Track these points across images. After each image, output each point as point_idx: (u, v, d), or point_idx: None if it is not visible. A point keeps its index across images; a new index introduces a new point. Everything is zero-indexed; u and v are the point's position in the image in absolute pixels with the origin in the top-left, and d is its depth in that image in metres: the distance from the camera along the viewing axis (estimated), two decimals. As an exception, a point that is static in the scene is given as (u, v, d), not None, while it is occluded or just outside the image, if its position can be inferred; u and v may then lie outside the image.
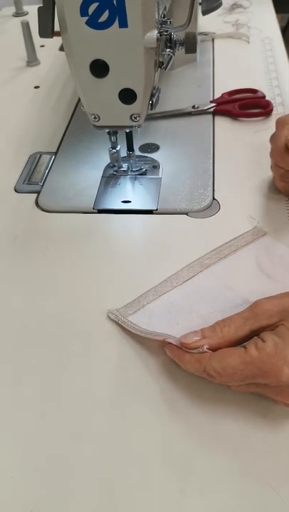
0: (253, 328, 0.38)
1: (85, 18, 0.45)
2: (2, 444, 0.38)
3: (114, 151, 0.59)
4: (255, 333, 0.38)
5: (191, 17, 0.49)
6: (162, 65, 0.53)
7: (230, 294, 0.46)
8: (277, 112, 0.70)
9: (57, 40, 0.51)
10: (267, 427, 0.38)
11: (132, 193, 0.59)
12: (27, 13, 1.06)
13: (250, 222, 0.53)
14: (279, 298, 0.40)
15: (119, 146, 0.59)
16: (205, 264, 0.48)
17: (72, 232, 0.55)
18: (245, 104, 0.71)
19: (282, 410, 0.38)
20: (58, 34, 0.47)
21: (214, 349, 0.38)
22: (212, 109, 0.72)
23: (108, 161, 0.62)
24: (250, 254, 0.50)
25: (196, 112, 0.72)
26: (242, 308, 0.43)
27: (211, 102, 0.73)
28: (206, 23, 0.94)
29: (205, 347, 0.38)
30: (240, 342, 0.39)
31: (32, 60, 0.88)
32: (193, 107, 0.72)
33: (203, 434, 0.38)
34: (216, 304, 0.45)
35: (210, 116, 0.72)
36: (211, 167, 0.62)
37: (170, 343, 0.41)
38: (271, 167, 0.57)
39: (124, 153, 0.61)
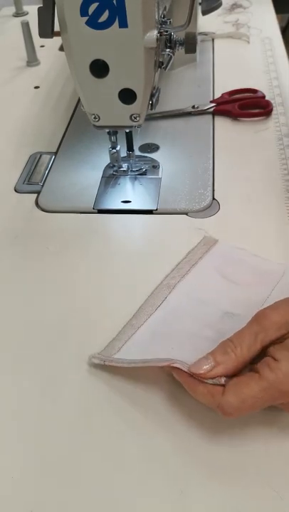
0: (264, 343, 0.36)
1: (85, 18, 0.45)
2: (2, 444, 0.38)
3: (114, 151, 0.59)
4: (264, 348, 0.37)
5: (191, 17, 0.49)
6: (162, 65, 0.53)
7: (208, 308, 0.45)
8: (277, 112, 0.70)
9: (57, 40, 0.51)
10: (267, 427, 0.38)
11: (131, 193, 0.59)
12: (27, 13, 1.06)
13: (200, 234, 0.53)
14: (283, 308, 0.38)
15: (119, 146, 0.59)
16: (171, 284, 0.47)
17: (72, 232, 0.55)
18: (245, 104, 0.71)
19: (281, 410, 0.38)
20: (58, 34, 0.47)
21: (231, 374, 0.36)
22: (212, 109, 0.72)
23: (108, 161, 0.62)
24: (209, 266, 0.49)
25: (195, 112, 0.72)
26: (228, 319, 0.43)
27: (211, 102, 0.73)
28: (206, 23, 0.93)
29: (223, 380, 0.35)
30: (252, 359, 0.37)
31: (32, 60, 0.88)
32: (193, 107, 0.72)
33: (203, 434, 0.38)
34: (200, 320, 0.44)
35: (210, 116, 0.72)
36: (211, 167, 0.62)
37: (178, 367, 0.38)
38: None
39: (124, 153, 0.61)
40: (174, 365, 0.37)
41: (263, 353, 0.37)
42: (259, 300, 0.45)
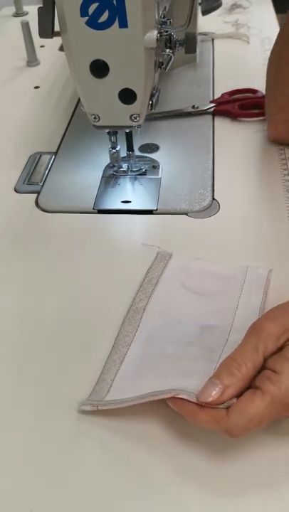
0: (265, 356, 0.36)
1: (85, 19, 0.45)
2: (2, 444, 0.38)
3: (114, 151, 0.59)
4: (265, 359, 0.36)
5: (190, 17, 0.49)
6: (162, 65, 0.53)
7: (185, 327, 0.44)
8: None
9: (57, 40, 0.51)
10: (268, 429, 0.38)
11: (131, 193, 0.59)
12: (27, 13, 1.06)
13: (151, 249, 0.52)
14: (279, 318, 0.37)
15: (119, 146, 0.59)
16: (140, 308, 0.45)
17: (72, 232, 0.55)
18: (245, 104, 0.71)
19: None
20: (58, 34, 0.47)
21: (239, 394, 0.35)
22: (212, 109, 0.72)
23: (108, 161, 0.62)
24: (172, 281, 0.48)
25: (195, 112, 0.72)
26: (209, 332, 0.42)
27: (211, 102, 0.73)
28: (205, 23, 0.93)
29: (235, 400, 0.34)
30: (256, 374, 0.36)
31: (32, 60, 0.88)
32: (193, 107, 0.72)
33: (203, 433, 0.38)
34: (181, 341, 0.42)
35: (210, 117, 0.72)
36: (211, 167, 0.62)
37: (184, 398, 0.36)
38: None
39: (124, 153, 0.61)
40: (180, 396, 0.36)
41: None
42: (231, 307, 0.45)
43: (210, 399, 0.34)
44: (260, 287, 0.46)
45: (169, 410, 0.37)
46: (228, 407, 0.34)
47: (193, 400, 0.35)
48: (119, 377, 0.40)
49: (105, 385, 0.40)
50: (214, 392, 0.34)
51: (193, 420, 0.35)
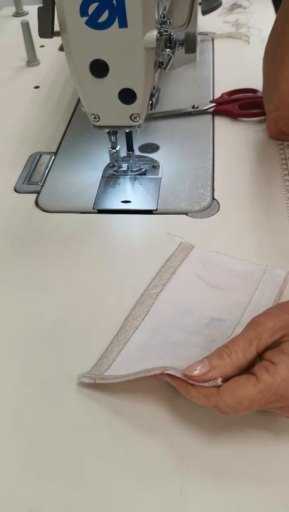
0: (259, 349, 0.37)
1: (85, 18, 0.45)
2: (2, 444, 0.38)
3: (114, 151, 0.59)
4: (259, 353, 0.37)
5: (190, 17, 0.49)
6: (162, 65, 0.53)
7: (193, 317, 0.44)
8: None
9: (57, 40, 0.51)
10: (267, 427, 0.38)
11: (131, 193, 0.59)
12: (27, 13, 1.06)
13: (174, 240, 0.52)
14: (276, 314, 0.38)
15: (118, 146, 0.59)
16: (153, 294, 0.46)
17: (72, 233, 0.55)
18: (245, 104, 0.71)
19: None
20: (57, 34, 0.47)
21: (226, 379, 0.36)
22: (212, 109, 0.72)
23: (108, 161, 0.62)
24: (189, 272, 0.48)
25: (195, 112, 0.72)
26: (215, 324, 0.42)
27: (211, 102, 0.73)
28: (205, 23, 0.94)
29: (219, 380, 0.35)
30: (248, 365, 0.37)
31: (32, 60, 0.88)
32: (193, 106, 0.72)
33: (203, 433, 0.38)
34: (186, 330, 0.43)
35: (210, 117, 0.72)
36: (211, 167, 0.62)
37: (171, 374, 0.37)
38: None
39: (123, 153, 0.61)
40: (167, 371, 0.37)
41: (258, 359, 0.37)
42: (243, 303, 0.45)
43: (195, 372, 0.36)
44: (276, 287, 0.46)
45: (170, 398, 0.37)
46: (216, 387, 0.35)
47: (179, 375, 0.36)
48: (121, 357, 0.41)
49: (106, 362, 0.41)
50: (199, 367, 0.36)
51: (186, 395, 0.37)
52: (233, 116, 0.71)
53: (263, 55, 0.64)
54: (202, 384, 0.35)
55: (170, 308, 0.45)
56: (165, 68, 0.53)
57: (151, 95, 0.52)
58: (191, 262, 0.50)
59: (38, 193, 0.61)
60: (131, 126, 0.53)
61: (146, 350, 0.42)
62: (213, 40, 0.92)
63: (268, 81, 0.64)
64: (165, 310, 0.45)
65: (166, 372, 0.37)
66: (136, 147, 0.64)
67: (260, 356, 0.37)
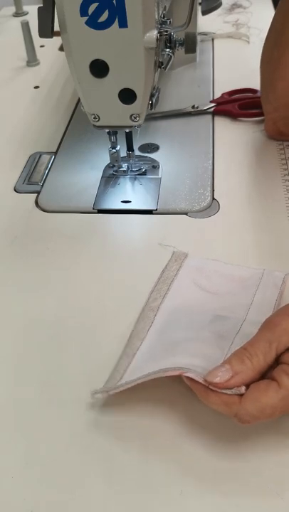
0: (278, 351, 0.35)
1: (85, 18, 0.45)
2: (2, 444, 0.38)
3: (114, 151, 0.59)
4: (278, 355, 0.36)
5: (190, 17, 0.49)
6: (162, 65, 0.53)
7: (196, 316, 0.44)
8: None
9: (57, 40, 0.51)
10: (267, 427, 0.38)
11: (131, 193, 0.59)
12: (27, 13, 1.06)
13: (173, 241, 0.52)
14: None
15: (118, 146, 0.59)
16: (154, 307, 0.45)
17: (72, 233, 0.55)
18: (245, 104, 0.71)
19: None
20: (57, 34, 0.47)
21: (248, 384, 0.34)
22: (212, 109, 0.72)
23: (108, 161, 0.62)
24: (186, 281, 0.48)
25: (195, 112, 0.72)
26: (220, 320, 0.42)
27: (211, 102, 0.73)
28: (205, 23, 0.93)
29: (243, 388, 0.34)
30: (268, 369, 0.35)
31: (32, 60, 0.88)
32: (193, 106, 0.72)
33: (204, 434, 0.38)
34: (192, 326, 0.43)
35: (210, 116, 0.72)
36: (211, 167, 0.62)
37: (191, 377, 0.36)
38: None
39: (123, 153, 0.61)
40: (187, 374, 0.36)
41: (276, 360, 0.36)
42: (245, 303, 0.45)
43: (217, 379, 0.34)
44: (276, 287, 0.46)
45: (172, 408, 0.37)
46: (238, 395, 0.34)
47: (200, 380, 0.35)
48: (130, 368, 0.40)
49: (117, 375, 0.40)
50: (221, 373, 0.34)
51: (205, 400, 0.35)
52: (233, 116, 0.71)
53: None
54: (224, 391, 0.34)
55: (173, 316, 0.45)
56: (165, 68, 0.53)
57: (151, 95, 0.52)
58: (187, 270, 0.49)
59: (38, 193, 0.61)
60: (131, 126, 0.53)
61: (155, 354, 0.41)
62: (213, 40, 0.92)
63: (266, 82, 0.64)
64: (168, 319, 0.45)
65: (185, 374, 0.36)
66: (136, 147, 0.64)
67: (277, 358, 0.36)
